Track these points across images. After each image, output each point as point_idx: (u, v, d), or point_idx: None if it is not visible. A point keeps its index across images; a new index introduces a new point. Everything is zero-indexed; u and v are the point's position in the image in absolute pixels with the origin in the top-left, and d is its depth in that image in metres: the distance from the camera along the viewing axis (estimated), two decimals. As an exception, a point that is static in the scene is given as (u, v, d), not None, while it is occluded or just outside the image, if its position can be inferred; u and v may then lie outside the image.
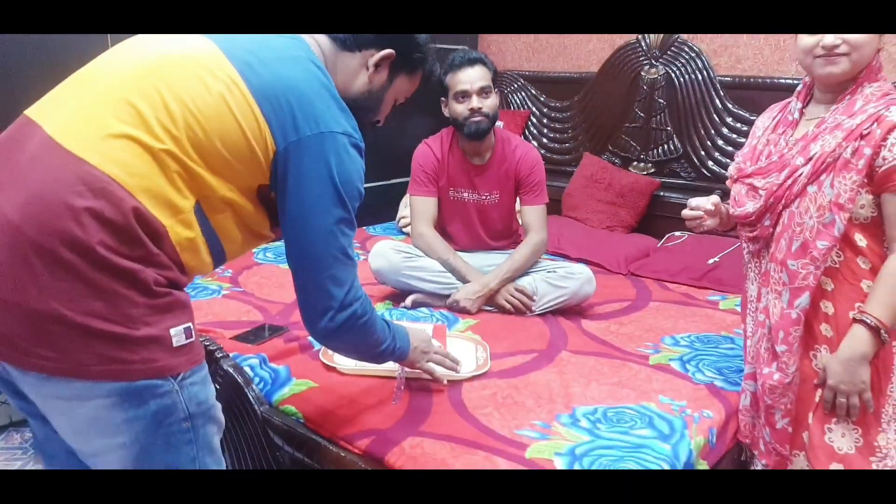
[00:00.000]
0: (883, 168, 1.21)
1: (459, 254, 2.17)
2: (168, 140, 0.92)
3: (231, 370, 1.47)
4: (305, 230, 1.04)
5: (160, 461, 0.95)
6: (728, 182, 1.58)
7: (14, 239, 0.85)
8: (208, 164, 0.95)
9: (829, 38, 1.24)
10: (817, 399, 1.32)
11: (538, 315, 2.06)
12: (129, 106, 0.92)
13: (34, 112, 0.95)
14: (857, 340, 1.24)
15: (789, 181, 1.30)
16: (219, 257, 1.03)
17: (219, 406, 1.04)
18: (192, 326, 0.96)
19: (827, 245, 1.26)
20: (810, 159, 1.27)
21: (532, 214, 2.18)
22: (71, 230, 0.84)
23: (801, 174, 1.28)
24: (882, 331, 1.22)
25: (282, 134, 0.99)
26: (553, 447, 1.31)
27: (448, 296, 2.08)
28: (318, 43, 1.12)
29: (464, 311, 2.04)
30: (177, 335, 0.93)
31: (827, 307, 1.31)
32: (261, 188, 1.03)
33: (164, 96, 0.93)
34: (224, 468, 1.05)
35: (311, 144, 1.00)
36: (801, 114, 1.38)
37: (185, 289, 0.98)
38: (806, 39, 1.28)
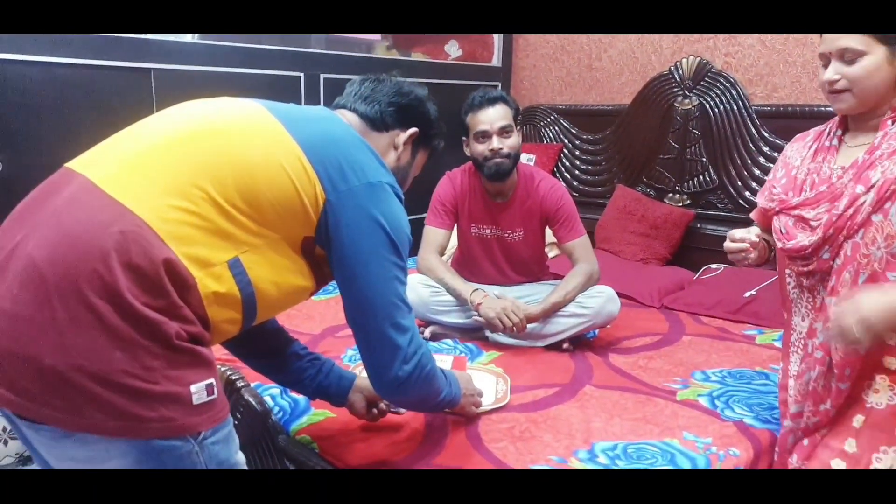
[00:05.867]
0: None
1: (486, 287, 2.14)
2: (213, 189, 0.93)
3: (251, 400, 1.49)
4: (366, 279, 1.05)
5: None
6: (753, 214, 1.53)
7: (37, 281, 0.83)
8: (256, 213, 0.96)
9: (828, 73, 1.25)
10: (856, 424, 1.26)
11: (565, 350, 2.01)
12: (175, 158, 0.94)
13: (75, 164, 0.96)
14: None
15: (850, 210, 1.23)
16: (249, 315, 1.00)
17: (242, 461, 1.00)
18: (214, 383, 0.91)
19: None
20: (872, 186, 1.21)
21: (575, 249, 2.09)
22: (98, 272, 0.83)
23: (864, 202, 1.22)
24: None
25: (331, 184, 1.01)
26: (567, 483, 1.27)
27: (478, 329, 2.06)
28: (348, 120, 1.16)
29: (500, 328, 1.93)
30: (198, 392, 0.88)
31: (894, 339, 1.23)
32: (305, 241, 1.04)
33: (212, 149, 0.96)
34: None
35: (361, 194, 1.03)
36: (841, 140, 1.34)
37: (208, 346, 0.94)
38: (820, 75, 1.27)
